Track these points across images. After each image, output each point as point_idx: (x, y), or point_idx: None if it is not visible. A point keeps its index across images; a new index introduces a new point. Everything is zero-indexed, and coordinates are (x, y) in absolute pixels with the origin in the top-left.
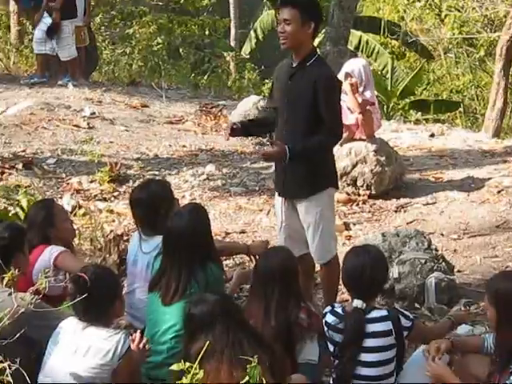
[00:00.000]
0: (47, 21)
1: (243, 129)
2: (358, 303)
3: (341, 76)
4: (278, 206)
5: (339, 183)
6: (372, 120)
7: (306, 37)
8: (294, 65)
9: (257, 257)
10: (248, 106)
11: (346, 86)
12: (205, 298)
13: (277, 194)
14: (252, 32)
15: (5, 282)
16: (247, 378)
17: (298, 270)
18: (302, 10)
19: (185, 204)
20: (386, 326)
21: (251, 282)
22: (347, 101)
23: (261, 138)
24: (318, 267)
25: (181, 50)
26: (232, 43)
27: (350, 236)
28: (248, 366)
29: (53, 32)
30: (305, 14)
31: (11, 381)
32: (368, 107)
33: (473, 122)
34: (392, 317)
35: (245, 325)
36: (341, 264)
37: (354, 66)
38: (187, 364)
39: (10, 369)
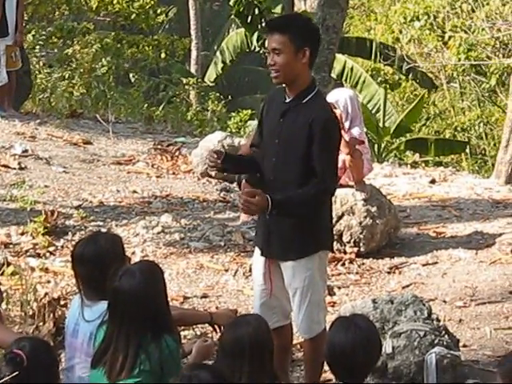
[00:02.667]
0: None
1: (234, 164)
2: None
3: None
4: (259, 266)
5: None
6: (362, 162)
7: (302, 68)
8: (288, 100)
9: (222, 327)
10: (212, 144)
11: None
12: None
13: (258, 250)
14: (218, 54)
15: None
16: None
17: (273, 344)
18: (294, 36)
19: (135, 262)
20: None
21: (215, 357)
22: None
23: (226, 183)
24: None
25: (131, 76)
26: (193, 68)
27: (334, 302)
28: None
29: None
30: (298, 39)
31: None
32: (357, 146)
33: (481, 165)
34: None
35: None
36: None
37: (339, 96)
38: None
39: None
